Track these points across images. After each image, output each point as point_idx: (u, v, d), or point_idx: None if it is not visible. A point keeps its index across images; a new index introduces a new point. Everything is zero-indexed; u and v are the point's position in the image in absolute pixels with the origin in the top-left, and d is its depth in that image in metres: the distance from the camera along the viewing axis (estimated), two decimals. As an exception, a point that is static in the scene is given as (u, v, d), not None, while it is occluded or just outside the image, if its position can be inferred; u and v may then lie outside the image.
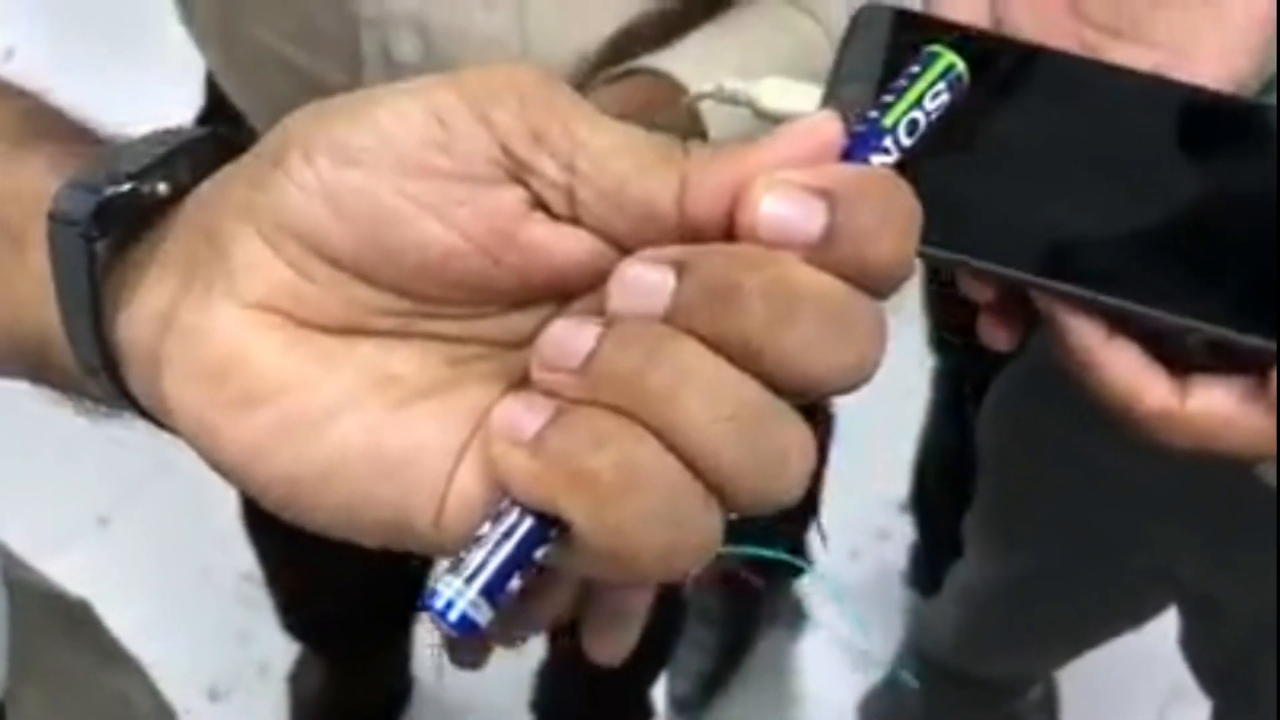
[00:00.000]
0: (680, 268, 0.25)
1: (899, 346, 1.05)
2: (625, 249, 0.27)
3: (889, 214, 0.26)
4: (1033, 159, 0.42)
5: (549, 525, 0.25)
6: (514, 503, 0.25)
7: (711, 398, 0.24)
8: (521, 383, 0.28)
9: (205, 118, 0.87)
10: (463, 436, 0.27)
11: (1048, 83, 0.42)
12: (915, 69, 0.28)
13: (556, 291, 0.28)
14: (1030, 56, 0.43)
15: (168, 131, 0.31)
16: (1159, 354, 0.40)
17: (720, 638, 1.49)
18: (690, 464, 0.25)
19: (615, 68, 0.59)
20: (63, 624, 0.57)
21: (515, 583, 0.25)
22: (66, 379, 0.32)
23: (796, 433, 0.25)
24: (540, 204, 0.27)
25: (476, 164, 0.27)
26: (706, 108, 0.54)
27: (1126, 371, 0.39)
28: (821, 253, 0.25)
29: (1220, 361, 0.39)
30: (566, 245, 0.27)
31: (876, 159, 0.27)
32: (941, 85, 0.28)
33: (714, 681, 1.49)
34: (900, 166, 0.27)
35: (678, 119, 0.56)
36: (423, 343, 0.28)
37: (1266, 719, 0.81)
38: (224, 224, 0.28)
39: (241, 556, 1.22)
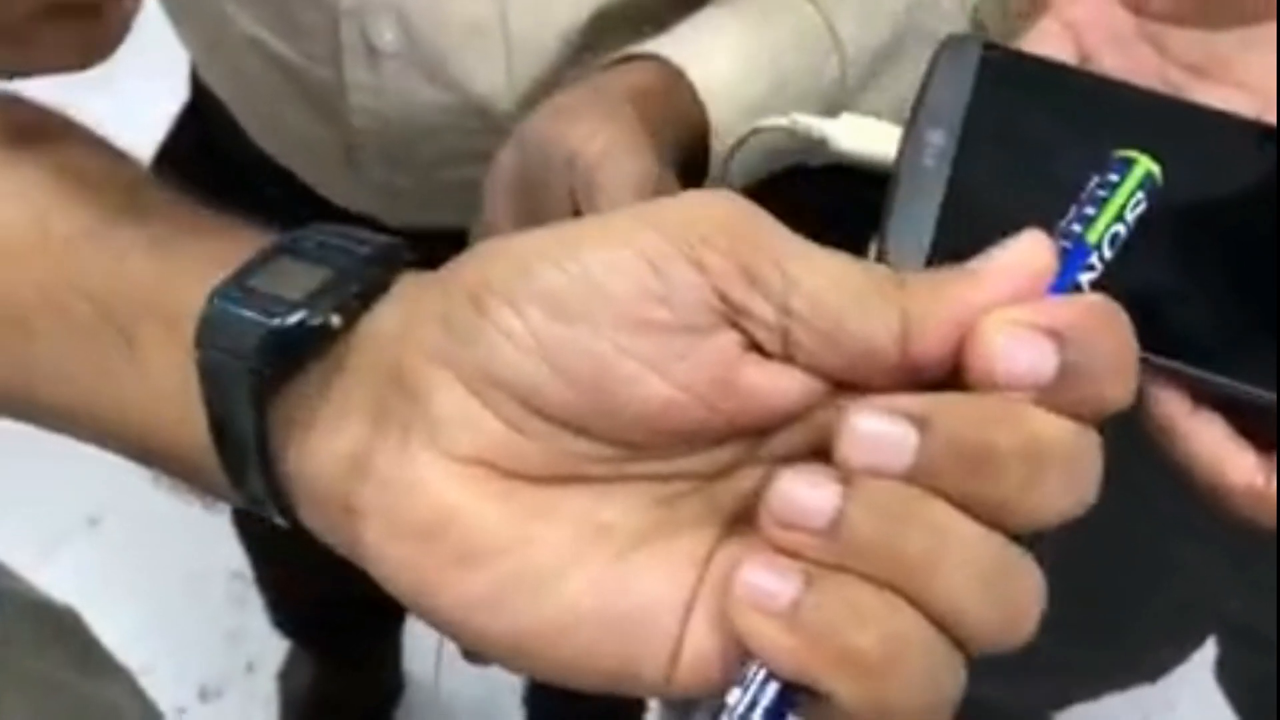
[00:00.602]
0: (923, 424, 0.24)
1: None
2: (840, 385, 0.27)
3: (1116, 349, 0.26)
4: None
5: (799, 689, 0.25)
6: (764, 667, 0.25)
7: (970, 563, 0.24)
8: (735, 520, 0.28)
9: (190, 110, 0.86)
10: (688, 587, 0.27)
11: (1141, 124, 0.40)
12: (1113, 178, 0.27)
13: (765, 427, 0.27)
14: (1128, 94, 0.40)
15: (320, 240, 0.30)
16: (1245, 429, 0.39)
17: None
18: (946, 628, 0.24)
19: (612, 54, 0.58)
20: (50, 633, 0.57)
21: None
22: (198, 481, 0.31)
23: (1033, 578, 0.25)
24: (753, 345, 0.27)
25: (694, 313, 0.26)
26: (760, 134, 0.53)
27: (1211, 444, 0.38)
28: (1054, 395, 0.25)
29: None
30: (783, 387, 0.27)
31: (1085, 277, 0.27)
32: (1140, 195, 0.27)
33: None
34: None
35: (682, 106, 0.55)
36: (632, 486, 0.28)
37: None
38: (419, 369, 0.27)
39: (231, 556, 1.22)
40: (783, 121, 0.47)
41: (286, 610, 1.30)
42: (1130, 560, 0.90)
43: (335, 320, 0.29)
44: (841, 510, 0.24)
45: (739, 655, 0.25)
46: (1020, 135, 0.40)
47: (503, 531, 0.27)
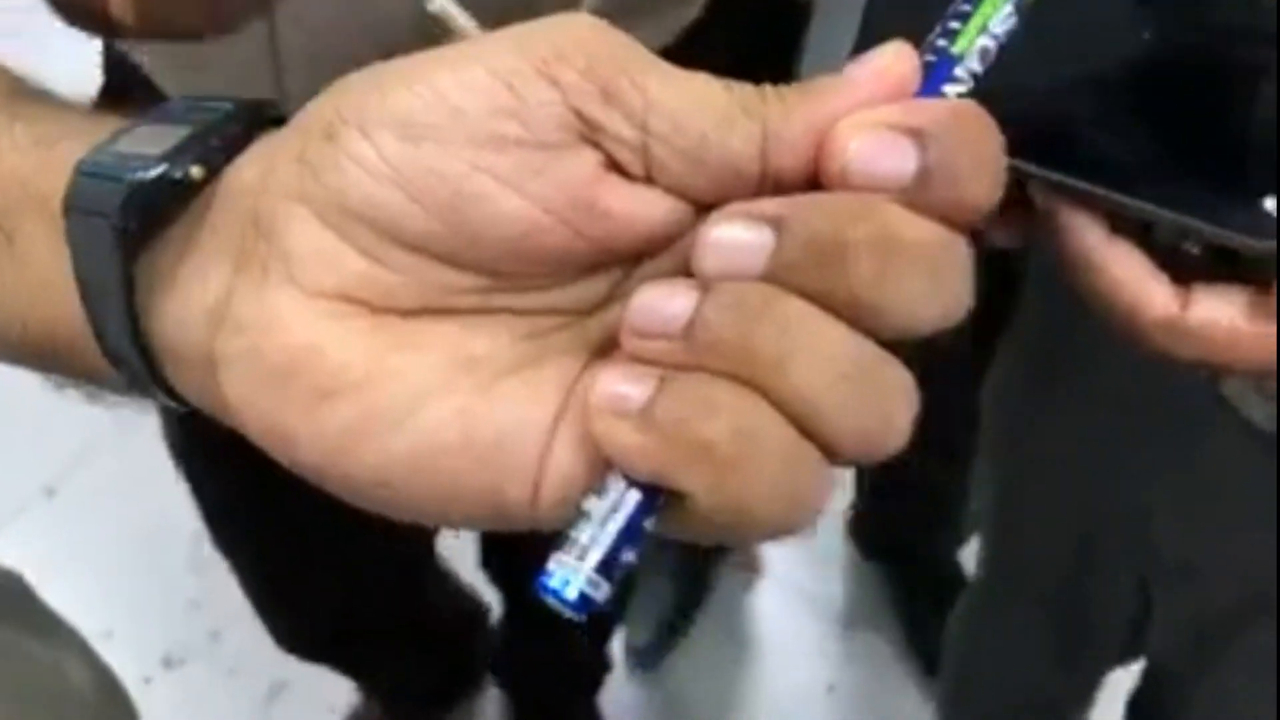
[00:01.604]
0: (777, 224, 0.24)
1: None
2: (704, 206, 0.26)
3: (981, 150, 0.25)
4: (1038, 41, 0.40)
5: (657, 494, 0.24)
6: (621, 476, 0.25)
7: (825, 358, 0.24)
8: (602, 350, 0.27)
9: (107, 69, 0.83)
10: (552, 412, 0.26)
11: None
12: None
13: (632, 255, 0.27)
14: None
15: (187, 105, 0.30)
16: (1160, 263, 0.38)
17: (676, 588, 1.50)
18: (803, 425, 0.24)
19: None
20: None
21: (629, 555, 0.25)
22: (78, 367, 0.30)
23: (902, 380, 0.25)
24: (614, 165, 0.26)
25: (549, 129, 0.26)
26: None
27: (1129, 276, 0.38)
28: (915, 195, 0.24)
29: (1222, 271, 0.38)
30: (645, 209, 0.26)
31: (950, 89, 0.26)
32: (1009, 8, 0.27)
33: (671, 632, 1.50)
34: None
35: None
36: (501, 318, 0.27)
37: (1238, 685, 0.80)
38: (274, 207, 0.27)
39: (189, 523, 1.21)
40: None
41: (301, 632, 1.22)
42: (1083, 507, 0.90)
43: (196, 171, 0.28)
44: (697, 311, 0.24)
45: (601, 473, 0.25)
46: None
47: (364, 364, 0.26)
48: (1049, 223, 0.39)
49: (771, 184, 0.26)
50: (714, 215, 0.25)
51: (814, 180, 0.26)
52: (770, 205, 0.25)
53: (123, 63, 0.77)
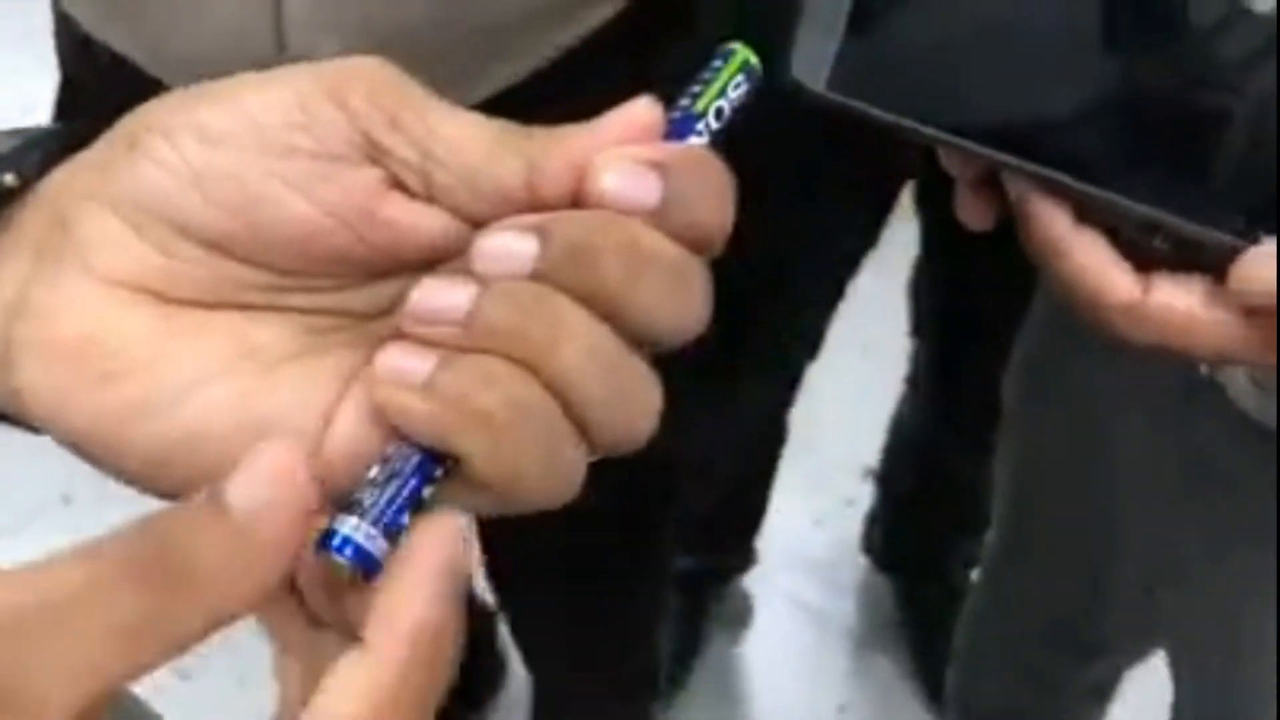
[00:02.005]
0: (541, 233, 0.28)
1: (867, 306, 1.04)
2: (480, 225, 0.29)
3: (713, 183, 0.29)
4: (1009, 30, 0.42)
5: (436, 462, 0.27)
6: (402, 443, 0.27)
7: (585, 345, 0.27)
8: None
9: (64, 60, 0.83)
10: (329, 397, 0.29)
11: None
12: (718, 64, 0.32)
13: (414, 265, 0.29)
14: None
15: (13, 130, 0.32)
16: (1123, 252, 0.40)
17: (671, 636, 1.49)
18: (566, 404, 0.27)
19: None
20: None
21: (406, 518, 0.27)
22: None
23: (649, 384, 0.29)
24: (398, 184, 0.29)
25: (336, 144, 0.28)
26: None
27: (1093, 262, 0.40)
28: (658, 219, 0.28)
29: (1182, 261, 0.40)
30: (424, 222, 0.29)
31: (694, 141, 0.31)
32: (741, 77, 0.32)
33: (667, 678, 1.48)
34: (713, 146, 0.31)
35: None
36: (286, 315, 0.29)
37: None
38: (73, 203, 0.29)
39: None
40: None
41: None
42: (1101, 508, 0.90)
43: (8, 179, 0.30)
44: (477, 302, 0.27)
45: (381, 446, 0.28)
46: None
47: (147, 348, 0.28)
48: (1019, 210, 0.41)
49: (540, 207, 0.29)
50: (488, 228, 0.29)
51: (574, 206, 0.29)
52: (534, 218, 0.28)
53: (82, 52, 0.76)
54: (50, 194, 0.30)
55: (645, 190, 0.28)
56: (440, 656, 0.26)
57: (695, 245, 0.29)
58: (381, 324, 0.30)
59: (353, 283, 0.30)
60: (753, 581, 1.53)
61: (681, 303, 0.28)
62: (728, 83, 0.32)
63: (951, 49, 0.41)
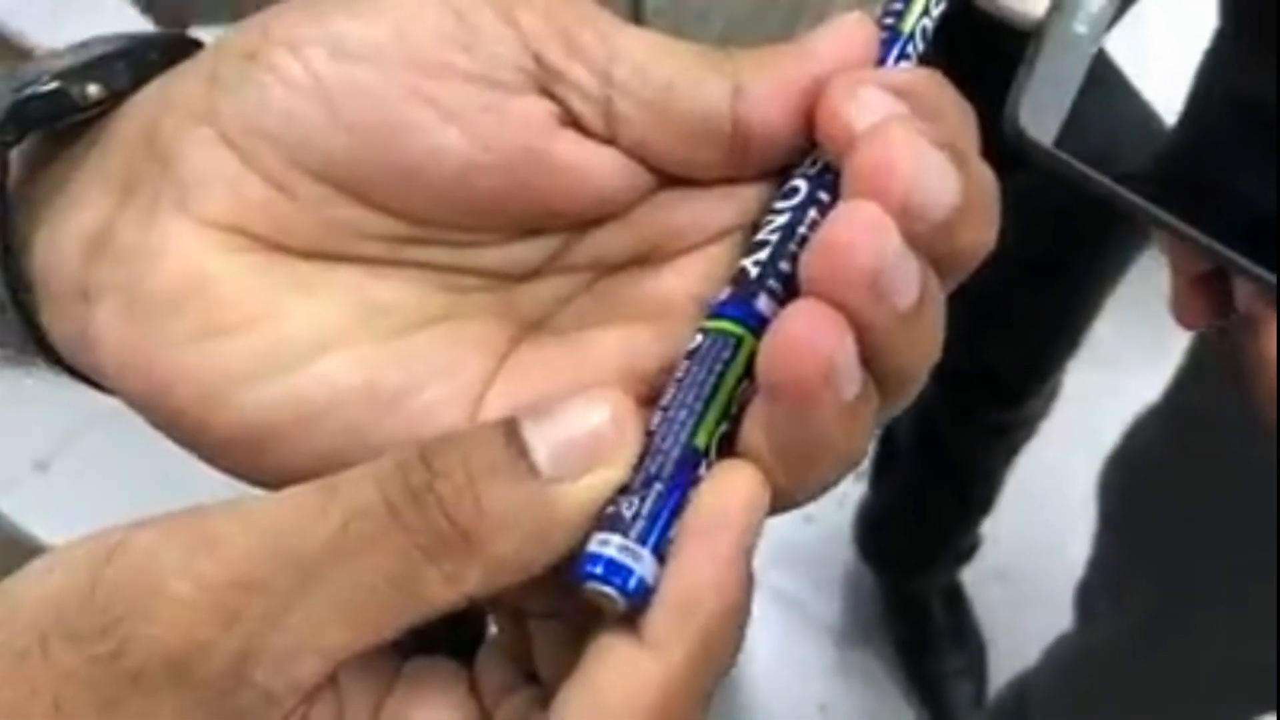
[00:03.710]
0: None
1: None
2: (663, 171, 0.25)
3: (961, 110, 0.25)
4: (1268, 114, 0.35)
5: (703, 457, 0.23)
6: (662, 436, 0.23)
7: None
8: (533, 327, 0.25)
9: None
10: (475, 375, 0.24)
11: None
12: None
13: (575, 220, 0.25)
14: None
15: (107, 37, 0.27)
16: None
17: None
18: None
19: None
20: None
21: (674, 531, 0.22)
22: None
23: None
24: (571, 120, 0.24)
25: (503, 69, 0.23)
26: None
27: None
28: (922, 133, 0.23)
29: None
30: (601, 168, 0.24)
31: (902, 65, 0.27)
32: None
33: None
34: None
35: None
36: (419, 270, 0.25)
37: None
38: (174, 128, 0.24)
39: (182, 501, 1.19)
40: None
41: None
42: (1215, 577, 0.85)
43: (94, 90, 0.25)
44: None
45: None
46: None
47: (254, 302, 0.23)
48: (1247, 324, 0.36)
49: (742, 143, 0.24)
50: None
51: (784, 142, 0.25)
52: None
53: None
54: (144, 112, 0.25)
55: (895, 116, 0.23)
56: (731, 647, 0.22)
57: (956, 159, 0.24)
58: (529, 289, 0.25)
59: (499, 238, 0.25)
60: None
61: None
62: (930, 1, 0.28)
63: (1204, 126, 0.36)
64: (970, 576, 1.51)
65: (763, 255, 0.24)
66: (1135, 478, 0.94)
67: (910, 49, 0.27)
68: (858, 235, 0.21)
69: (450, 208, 0.24)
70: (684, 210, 0.25)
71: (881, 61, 0.26)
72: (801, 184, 0.25)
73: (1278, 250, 0.34)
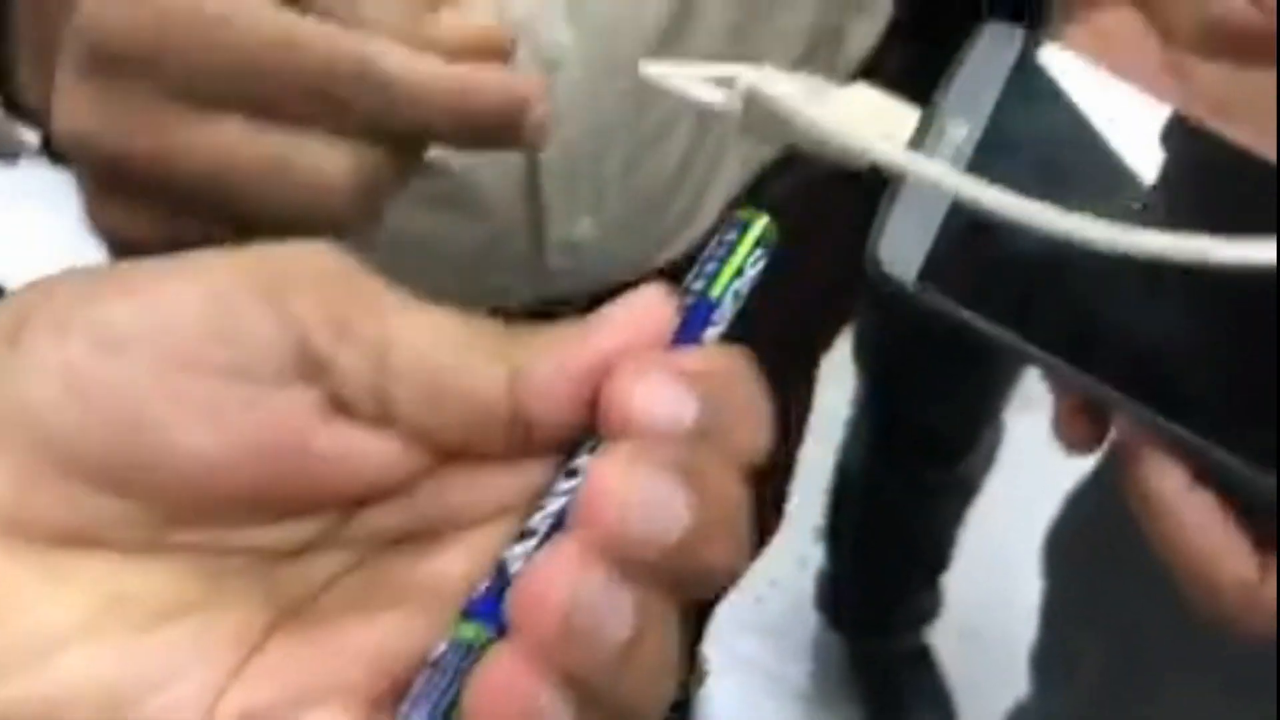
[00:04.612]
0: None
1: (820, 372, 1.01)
2: (441, 450, 0.24)
3: (750, 397, 0.24)
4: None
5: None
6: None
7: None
8: (295, 611, 0.24)
9: None
10: (219, 672, 0.23)
11: (1182, 154, 0.35)
12: (732, 236, 0.27)
13: (351, 499, 0.24)
14: (1176, 123, 0.35)
15: None
16: (1244, 519, 0.34)
17: None
18: None
19: None
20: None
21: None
22: None
23: None
24: (341, 405, 0.23)
25: (265, 360, 0.23)
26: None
27: (1204, 531, 0.34)
28: (693, 444, 0.23)
29: None
30: (369, 452, 0.24)
31: (710, 333, 0.26)
32: (760, 251, 0.27)
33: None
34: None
35: None
36: (169, 556, 0.23)
37: None
38: None
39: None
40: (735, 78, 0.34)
41: None
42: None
43: None
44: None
45: None
46: (1049, 144, 0.35)
47: None
48: (1123, 453, 0.35)
49: (523, 428, 0.24)
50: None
51: (568, 425, 0.24)
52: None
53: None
54: None
55: (680, 411, 0.23)
56: None
57: (739, 467, 0.24)
58: (296, 568, 0.24)
59: (263, 520, 0.24)
60: (707, 644, 1.51)
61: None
62: (745, 260, 0.27)
63: (1065, 257, 0.33)
64: (938, 636, 1.51)
65: (527, 546, 0.23)
66: (1077, 547, 0.94)
67: (719, 316, 0.26)
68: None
69: (206, 501, 0.23)
70: (465, 488, 0.25)
71: (687, 330, 0.25)
72: (585, 465, 0.24)
73: (1153, 386, 0.33)
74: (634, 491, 0.21)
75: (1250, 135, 0.36)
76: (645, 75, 0.34)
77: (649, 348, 0.24)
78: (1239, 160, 0.35)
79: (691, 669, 1.48)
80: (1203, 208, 0.35)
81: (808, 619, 1.54)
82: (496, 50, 0.35)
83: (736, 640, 1.53)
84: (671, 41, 0.56)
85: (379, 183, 0.35)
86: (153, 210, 0.35)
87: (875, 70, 0.68)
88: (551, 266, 0.58)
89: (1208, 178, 0.35)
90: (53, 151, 0.40)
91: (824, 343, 0.89)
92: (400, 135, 0.35)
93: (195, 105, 0.33)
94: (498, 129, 0.35)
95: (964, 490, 1.36)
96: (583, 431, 0.24)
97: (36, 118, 0.40)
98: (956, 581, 1.45)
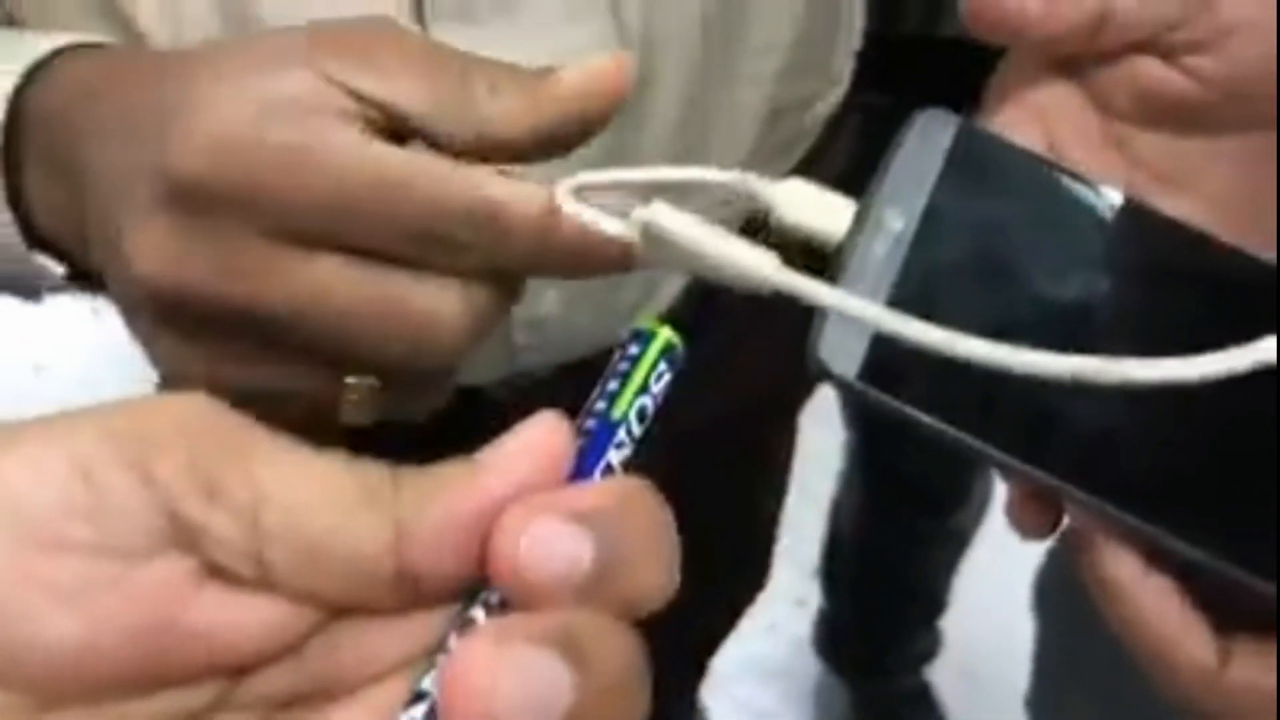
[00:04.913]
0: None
1: (811, 412, 1.01)
2: (327, 608, 0.23)
3: (653, 533, 0.23)
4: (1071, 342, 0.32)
5: None
6: None
7: None
8: None
9: None
10: None
11: (1124, 235, 0.35)
12: (634, 351, 0.26)
13: (231, 670, 0.23)
14: (1111, 202, 0.35)
15: None
16: (1203, 600, 0.33)
17: None
18: None
19: None
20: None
21: None
22: None
23: None
24: (214, 570, 0.22)
25: (132, 534, 0.22)
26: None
27: (1162, 616, 0.33)
28: (591, 590, 0.22)
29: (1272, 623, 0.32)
30: (248, 618, 0.22)
31: (614, 455, 0.25)
32: (664, 365, 0.26)
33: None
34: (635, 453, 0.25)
35: None
36: None
37: None
38: None
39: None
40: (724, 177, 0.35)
41: None
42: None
43: None
44: None
45: None
46: (989, 229, 0.35)
47: None
48: (1077, 541, 0.34)
49: (410, 582, 0.23)
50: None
51: (458, 575, 0.23)
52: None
53: None
54: None
55: (575, 559, 0.22)
56: None
57: (632, 613, 0.23)
58: None
59: (145, 693, 0.22)
60: (706, 692, 1.50)
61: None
62: (649, 375, 0.26)
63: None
64: (937, 675, 1.50)
65: (417, 713, 0.22)
66: (1062, 593, 0.94)
67: (623, 437, 0.25)
68: None
69: (80, 684, 0.22)
70: (357, 644, 0.24)
71: (588, 458, 0.24)
72: (479, 615, 0.23)
73: (1104, 479, 0.33)
74: (503, 678, 0.20)
75: (1193, 204, 0.37)
76: (562, 207, 0.34)
77: (543, 485, 0.23)
78: (1181, 236, 0.35)
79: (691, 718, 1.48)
80: (1147, 285, 0.35)
81: (808, 662, 1.53)
82: (615, 78, 0.35)
83: (737, 687, 1.52)
84: (630, 109, 0.57)
85: (489, 318, 0.35)
86: (224, 348, 0.34)
87: (839, 127, 0.68)
88: (518, 343, 0.59)
89: (1150, 256, 0.35)
90: (80, 280, 0.38)
91: (805, 391, 0.89)
92: (511, 271, 0.35)
93: (290, 243, 0.32)
94: (606, 261, 0.34)
95: (957, 541, 1.37)
96: (477, 579, 0.23)
97: (52, 245, 0.39)
98: (955, 621, 1.44)
